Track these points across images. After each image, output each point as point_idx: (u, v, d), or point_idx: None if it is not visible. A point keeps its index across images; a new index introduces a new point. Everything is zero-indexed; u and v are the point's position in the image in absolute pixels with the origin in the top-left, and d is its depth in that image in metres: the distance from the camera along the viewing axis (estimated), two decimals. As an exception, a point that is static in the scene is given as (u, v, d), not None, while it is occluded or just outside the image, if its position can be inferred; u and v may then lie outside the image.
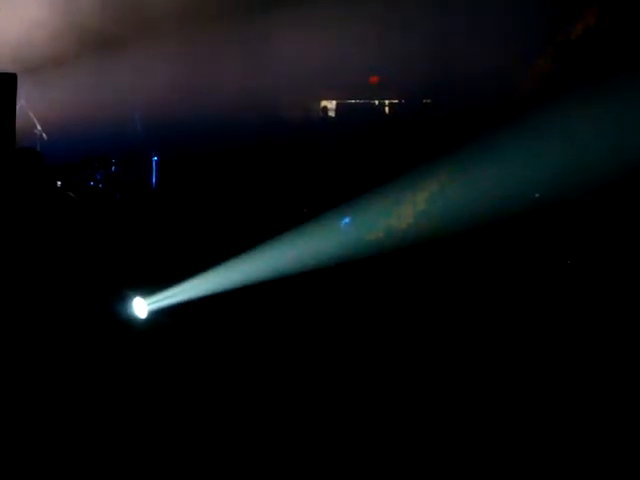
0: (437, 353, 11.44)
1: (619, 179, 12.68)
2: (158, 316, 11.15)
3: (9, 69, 12.87)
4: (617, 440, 7.52)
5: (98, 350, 9.85)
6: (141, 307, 11.09)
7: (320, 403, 8.59)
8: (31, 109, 14.04)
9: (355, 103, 17.44)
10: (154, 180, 14.91)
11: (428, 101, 16.69)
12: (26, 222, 11.91)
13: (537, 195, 12.36)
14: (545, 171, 13.26)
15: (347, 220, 13.49)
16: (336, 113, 17.35)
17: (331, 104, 17.40)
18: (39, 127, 14.10)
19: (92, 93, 14.93)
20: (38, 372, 8.98)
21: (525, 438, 7.65)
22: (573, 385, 9.21)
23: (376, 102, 17.28)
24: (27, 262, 11.23)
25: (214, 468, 7.28)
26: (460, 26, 15.16)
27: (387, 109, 17.25)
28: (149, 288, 11.23)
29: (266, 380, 9.30)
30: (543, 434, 7.76)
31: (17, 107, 12.95)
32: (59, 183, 13.71)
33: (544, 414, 8.35)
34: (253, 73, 15.75)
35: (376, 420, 8.04)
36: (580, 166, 13.00)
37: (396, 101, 17.16)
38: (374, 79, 16.86)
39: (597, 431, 7.68)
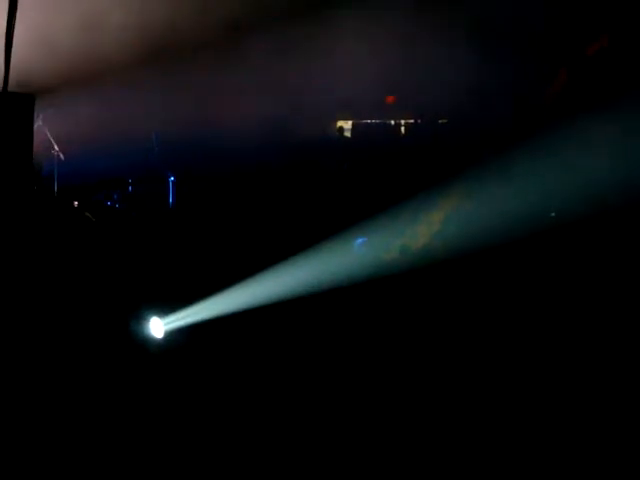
0: (448, 374, 11.47)
1: (637, 197, 12.69)
2: (175, 336, 11.19)
3: (27, 90, 12.99)
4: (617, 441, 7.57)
5: (115, 369, 9.91)
6: (158, 327, 11.14)
7: (332, 423, 8.60)
8: (48, 130, 14.12)
9: (371, 123, 17.44)
10: (171, 200, 14.97)
11: (444, 121, 16.70)
12: (44, 240, 12.01)
13: (552, 214, 12.34)
14: (561, 190, 13.26)
15: (361, 240, 13.51)
16: (352, 133, 17.36)
17: (347, 124, 17.41)
18: (56, 147, 14.18)
19: (109, 114, 15.00)
20: (55, 389, 9.05)
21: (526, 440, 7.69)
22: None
23: (392, 122, 17.28)
24: (45, 281, 11.32)
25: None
26: (475, 46, 15.18)
27: (403, 129, 17.25)
28: (166, 308, 11.28)
29: (281, 400, 9.32)
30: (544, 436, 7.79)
31: (34, 128, 13.09)
32: (76, 203, 13.80)
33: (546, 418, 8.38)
34: (269, 93, 15.81)
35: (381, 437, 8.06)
36: (596, 185, 12.99)
37: (412, 121, 17.17)
38: (390, 99, 16.88)
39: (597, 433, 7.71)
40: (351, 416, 8.83)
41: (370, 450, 7.88)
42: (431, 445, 8.03)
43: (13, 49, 11.20)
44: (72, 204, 13.72)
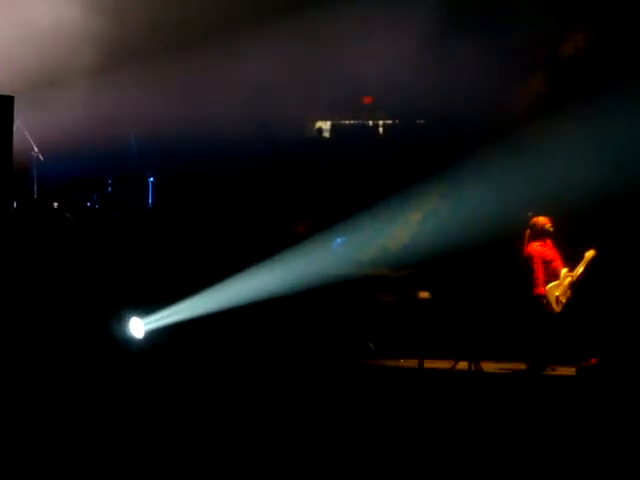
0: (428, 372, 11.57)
1: (613, 196, 12.78)
2: (155, 335, 11.25)
3: (6, 91, 12.99)
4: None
5: (96, 369, 9.93)
6: (138, 327, 11.19)
7: (311, 419, 8.65)
8: (28, 131, 14.07)
9: (349, 124, 17.48)
10: (150, 200, 14.97)
11: (422, 121, 16.75)
12: (24, 242, 12.01)
13: (530, 214, 12.43)
14: (537, 190, 13.36)
15: (340, 240, 13.58)
16: (331, 134, 17.38)
17: (326, 125, 17.44)
18: (36, 149, 14.12)
19: (88, 115, 14.98)
20: (37, 389, 9.06)
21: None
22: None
23: (370, 123, 17.33)
24: (25, 282, 11.32)
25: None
26: (453, 47, 15.24)
27: (381, 130, 17.30)
28: (146, 308, 11.32)
29: (259, 397, 9.37)
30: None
31: (14, 129, 13.07)
32: (56, 204, 13.78)
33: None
34: (249, 94, 15.82)
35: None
36: (573, 184, 13.10)
37: (390, 121, 17.21)
38: (368, 100, 16.91)
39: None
40: (335, 415, 8.88)
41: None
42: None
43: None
44: (52, 205, 13.70)
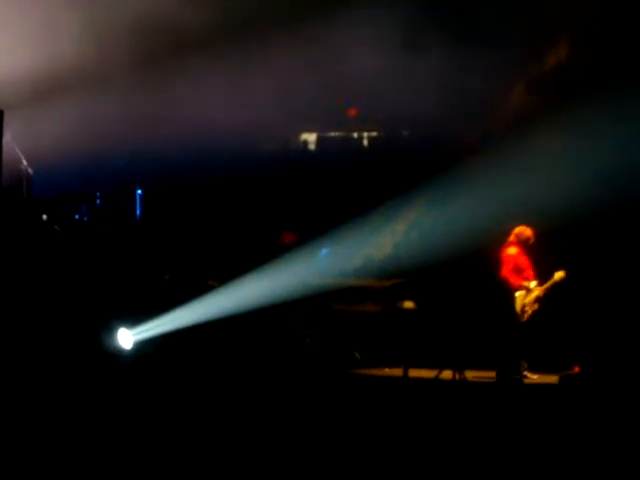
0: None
1: (595, 209, 12.89)
2: (143, 346, 11.33)
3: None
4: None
5: (84, 380, 10.01)
6: (126, 338, 11.28)
7: (297, 428, 8.76)
8: (17, 144, 14.10)
9: (335, 136, 17.51)
10: (138, 213, 15.01)
11: (406, 133, 16.82)
12: (13, 254, 12.08)
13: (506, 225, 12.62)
14: (519, 202, 13.48)
15: (325, 251, 13.67)
16: (316, 146, 17.41)
17: (311, 137, 17.47)
18: (25, 162, 14.15)
19: (77, 128, 15.04)
20: (26, 400, 9.13)
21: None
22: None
23: (355, 135, 17.37)
24: (14, 294, 11.39)
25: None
26: (436, 59, 15.34)
27: (366, 141, 17.35)
28: (135, 319, 11.41)
29: (246, 406, 9.46)
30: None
31: (3, 143, 13.13)
32: (45, 216, 13.84)
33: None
34: (235, 106, 15.86)
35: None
36: (554, 197, 13.23)
37: (375, 133, 17.28)
38: (353, 112, 16.96)
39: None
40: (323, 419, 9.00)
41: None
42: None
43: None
44: (41, 217, 13.76)
